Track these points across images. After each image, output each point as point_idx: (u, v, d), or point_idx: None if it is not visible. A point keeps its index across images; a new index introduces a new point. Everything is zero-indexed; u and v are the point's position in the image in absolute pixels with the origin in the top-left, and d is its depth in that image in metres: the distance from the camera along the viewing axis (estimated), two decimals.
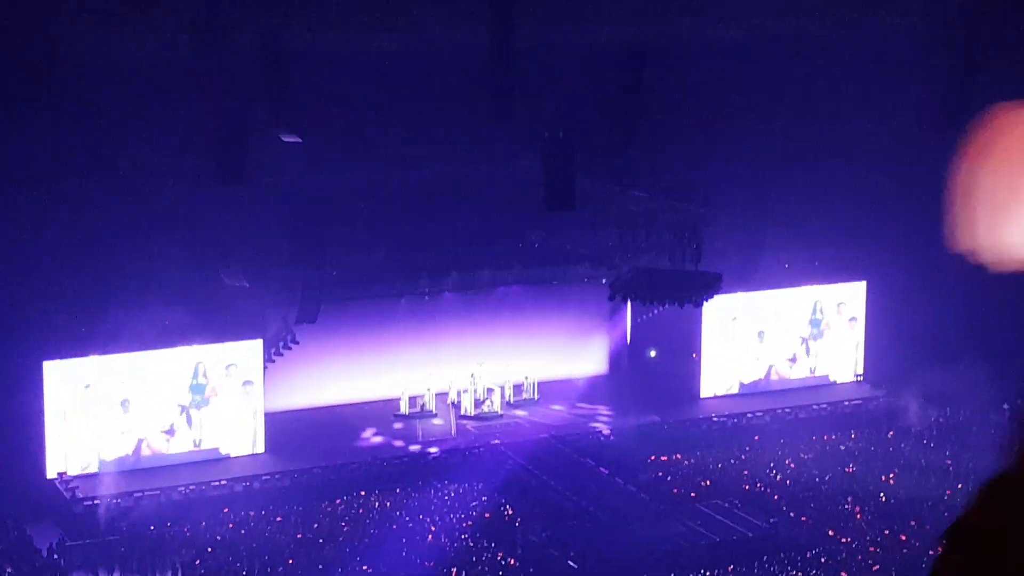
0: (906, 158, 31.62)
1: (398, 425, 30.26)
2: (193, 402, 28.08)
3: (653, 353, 31.65)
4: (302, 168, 28.78)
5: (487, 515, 26.10)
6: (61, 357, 27.00)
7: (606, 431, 30.24)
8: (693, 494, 27.47)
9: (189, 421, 28.05)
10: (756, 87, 29.75)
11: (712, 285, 28.16)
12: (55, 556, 24.41)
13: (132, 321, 26.96)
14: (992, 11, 28.84)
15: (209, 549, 24.59)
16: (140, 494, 26.31)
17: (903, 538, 25.41)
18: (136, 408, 27.57)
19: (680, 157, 30.11)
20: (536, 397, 31.56)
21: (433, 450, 28.94)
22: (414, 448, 29.26)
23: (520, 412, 31.19)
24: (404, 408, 30.59)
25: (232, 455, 28.21)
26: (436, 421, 30.27)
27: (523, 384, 31.56)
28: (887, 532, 25.64)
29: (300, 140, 27.80)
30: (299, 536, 25.26)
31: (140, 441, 27.65)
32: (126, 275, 27.16)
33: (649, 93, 27.84)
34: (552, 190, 27.90)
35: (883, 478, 28.04)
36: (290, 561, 24.10)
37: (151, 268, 27.16)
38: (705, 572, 24.21)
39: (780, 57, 30.05)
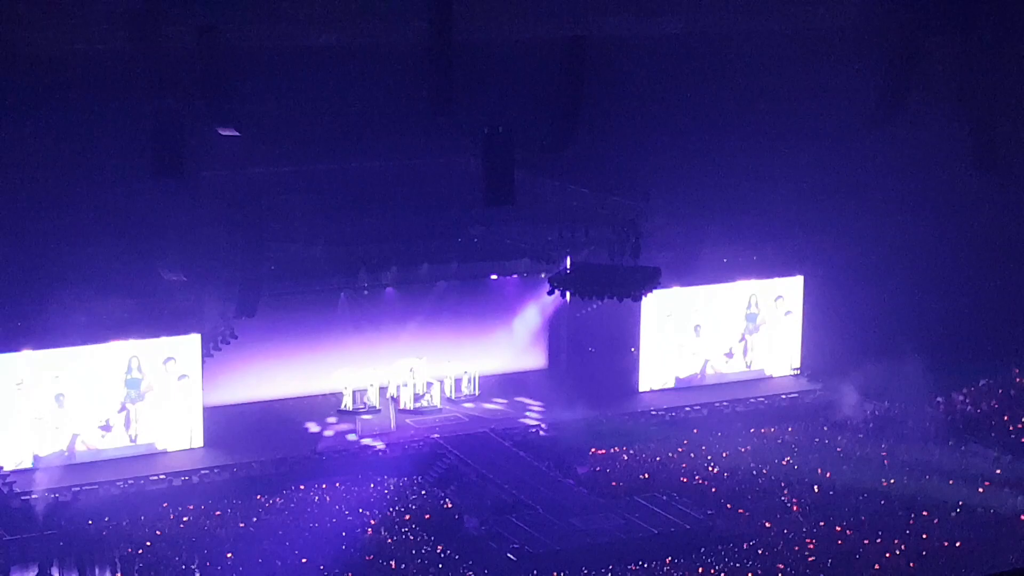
0: (844, 153, 32.20)
1: (331, 419, 30.51)
2: (128, 397, 28.20)
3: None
4: (240, 162, 28.98)
5: (427, 512, 26.39)
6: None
7: (544, 425, 30.58)
8: (631, 487, 27.86)
9: (126, 417, 28.17)
10: (695, 82, 30.19)
11: (651, 279, 28.53)
12: None
13: (67, 315, 27.06)
14: (930, 6, 29.38)
15: (148, 543, 24.72)
16: (78, 489, 26.44)
17: (839, 529, 25.88)
18: (71, 403, 27.68)
19: (619, 152, 30.53)
20: (477, 392, 31.91)
21: (380, 445, 29.19)
22: (352, 440, 29.53)
23: (460, 407, 31.52)
24: (347, 403, 30.83)
25: (169, 450, 28.35)
26: (375, 416, 30.49)
27: (462, 379, 31.89)
28: (823, 524, 26.11)
29: (238, 134, 27.98)
30: (241, 526, 25.44)
31: (75, 437, 27.77)
32: (61, 269, 27.25)
33: (588, 88, 28.18)
34: (492, 185, 28.15)
35: (819, 470, 28.49)
36: (229, 555, 24.29)
37: (87, 262, 27.26)
38: (643, 564, 24.54)
39: (719, 51, 30.54)
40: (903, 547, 25.10)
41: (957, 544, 25.29)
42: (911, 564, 24.52)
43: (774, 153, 31.44)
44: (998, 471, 28.50)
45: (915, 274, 33.14)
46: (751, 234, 32.53)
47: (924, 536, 25.53)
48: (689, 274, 32.00)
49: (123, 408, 28.20)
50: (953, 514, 26.57)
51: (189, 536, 25.08)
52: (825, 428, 31.01)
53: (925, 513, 26.52)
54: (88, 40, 26.20)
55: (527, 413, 31.36)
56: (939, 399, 31.93)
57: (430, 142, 29.51)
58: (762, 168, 31.45)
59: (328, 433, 30.06)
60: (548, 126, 29.03)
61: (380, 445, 29.30)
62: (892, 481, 27.95)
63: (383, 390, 30.99)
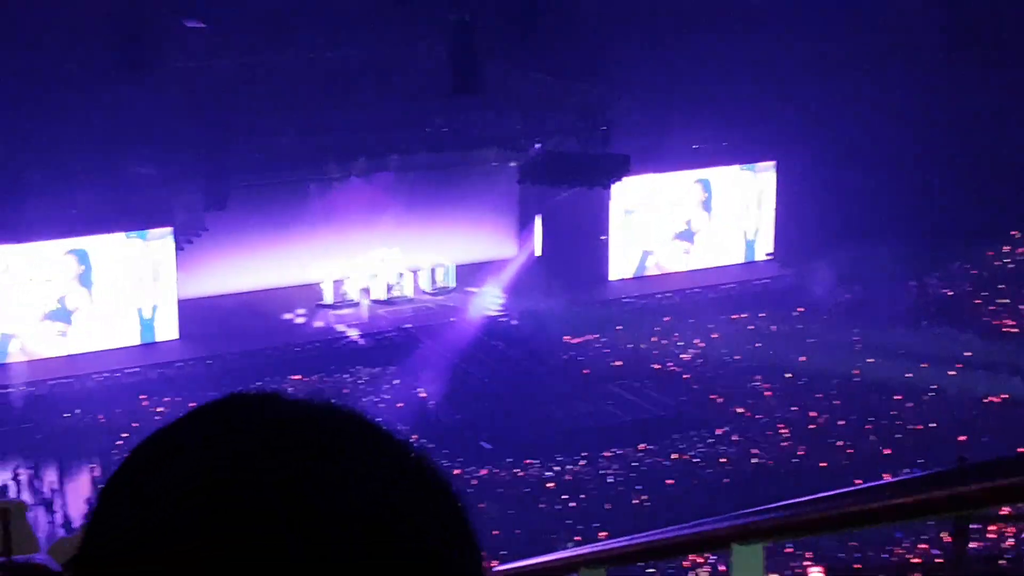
0: (814, 35, 32.27)
1: (302, 311, 30.71)
2: (92, 293, 28.38)
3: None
4: (206, 54, 28.98)
5: (400, 400, 26.80)
6: None
7: (516, 314, 30.97)
8: (603, 375, 28.30)
9: (81, 313, 28.31)
10: None
11: (620, 167, 28.75)
12: None
13: (35, 210, 27.16)
14: None
15: (125, 435, 25.13)
16: (53, 382, 26.81)
17: (812, 415, 26.40)
18: (28, 299, 27.87)
19: (587, 39, 30.54)
20: (453, 284, 32.02)
21: (353, 334, 29.52)
22: (326, 331, 29.87)
23: (432, 297, 31.79)
24: (328, 298, 31.00)
25: (141, 343, 28.64)
26: (351, 309, 30.77)
27: (436, 270, 32.07)
28: (795, 408, 26.62)
29: (203, 25, 28.00)
30: None
31: (63, 334, 28.06)
32: (28, 166, 27.30)
33: None
34: (458, 74, 28.33)
35: (792, 356, 28.96)
36: None
37: (54, 158, 27.32)
38: (616, 451, 25.06)
39: None
40: (876, 430, 25.63)
41: (930, 426, 25.81)
42: (883, 448, 25.04)
43: (744, 38, 31.48)
44: (969, 353, 28.98)
45: (888, 158, 33.34)
46: (721, 120, 32.57)
47: (897, 419, 26.06)
48: (658, 160, 32.06)
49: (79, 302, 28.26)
50: (926, 397, 27.09)
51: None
52: (797, 313, 31.44)
53: (898, 397, 27.03)
54: None
55: (499, 302, 31.58)
56: (912, 282, 32.29)
57: (394, 30, 29.47)
58: (732, 54, 31.49)
59: (300, 323, 30.36)
60: (514, 13, 29.10)
61: (354, 334, 29.64)
62: (865, 363, 28.50)
63: (358, 283, 31.17)
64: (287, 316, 30.60)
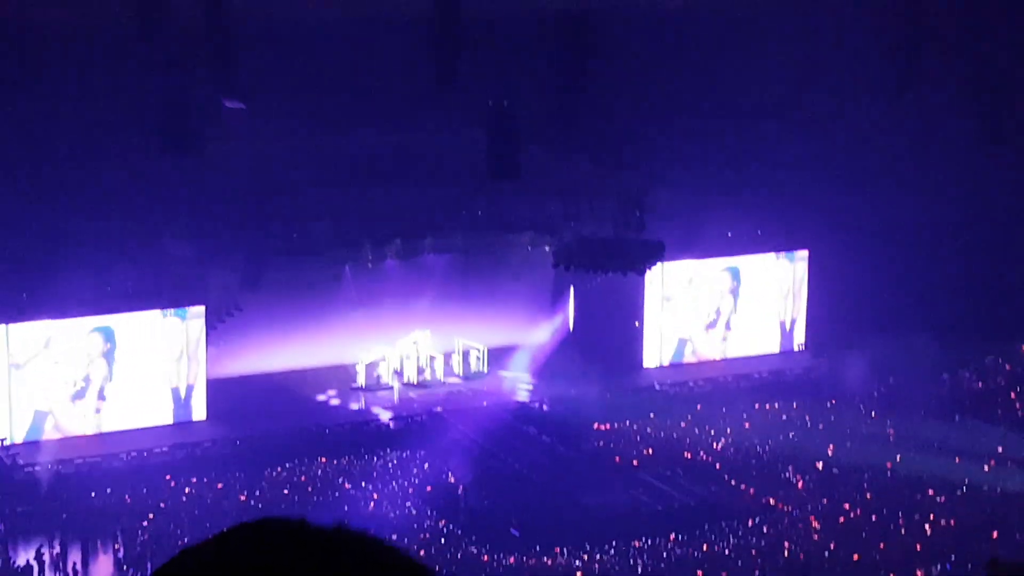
0: (851, 127, 32.48)
1: (333, 392, 30.85)
2: (123, 370, 28.50)
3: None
4: (247, 136, 29.34)
5: (429, 484, 26.88)
6: (10, 321, 27.45)
7: (548, 399, 31.07)
8: (635, 462, 28.37)
9: (112, 391, 28.51)
10: (700, 56, 30.40)
11: (655, 253, 28.93)
12: None
13: (75, 287, 27.42)
14: None
15: (151, 516, 25.23)
16: (81, 461, 26.94)
17: (844, 507, 26.38)
18: (62, 377, 28.02)
19: (624, 126, 30.80)
20: (485, 369, 32.13)
21: (384, 417, 29.66)
22: (357, 412, 30.01)
23: (463, 380, 31.92)
24: (360, 379, 31.15)
25: (170, 423, 28.74)
26: (384, 391, 30.90)
27: (468, 352, 32.20)
28: (827, 501, 26.59)
29: (244, 107, 28.38)
30: (242, 499, 25.92)
31: (96, 411, 28.24)
32: (70, 244, 27.62)
33: (593, 62, 28.51)
34: (496, 159, 28.60)
35: (824, 447, 28.99)
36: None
37: (95, 237, 27.67)
38: (646, 540, 25.02)
39: (724, 26, 30.73)
40: (908, 525, 25.58)
41: (963, 522, 25.72)
42: (916, 543, 24.96)
43: (780, 128, 31.73)
44: (1002, 449, 28.97)
45: (922, 250, 33.45)
46: (756, 209, 32.78)
47: (930, 514, 25.99)
48: (693, 248, 32.28)
49: (101, 381, 28.44)
50: (959, 492, 27.02)
51: (192, 509, 25.60)
52: (830, 404, 31.50)
53: (930, 491, 26.97)
54: (95, 15, 26.49)
55: (531, 387, 31.67)
56: (945, 375, 32.33)
57: (435, 116, 29.80)
58: (767, 144, 31.74)
59: (331, 404, 30.51)
60: (553, 100, 29.41)
61: (385, 417, 29.78)
62: (897, 458, 28.47)
63: (390, 366, 31.33)
64: (318, 397, 30.74)
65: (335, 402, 30.68)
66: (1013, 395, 32.04)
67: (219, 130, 27.86)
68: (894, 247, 33.35)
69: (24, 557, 24.41)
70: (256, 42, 26.72)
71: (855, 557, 24.13)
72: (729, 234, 33.20)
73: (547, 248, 31.42)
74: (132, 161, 27.47)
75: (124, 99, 26.55)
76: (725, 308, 33.58)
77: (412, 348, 31.68)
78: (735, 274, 33.61)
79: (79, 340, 27.97)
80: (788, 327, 34.14)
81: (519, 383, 31.75)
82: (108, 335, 28.29)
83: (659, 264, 30.57)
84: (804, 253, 34.12)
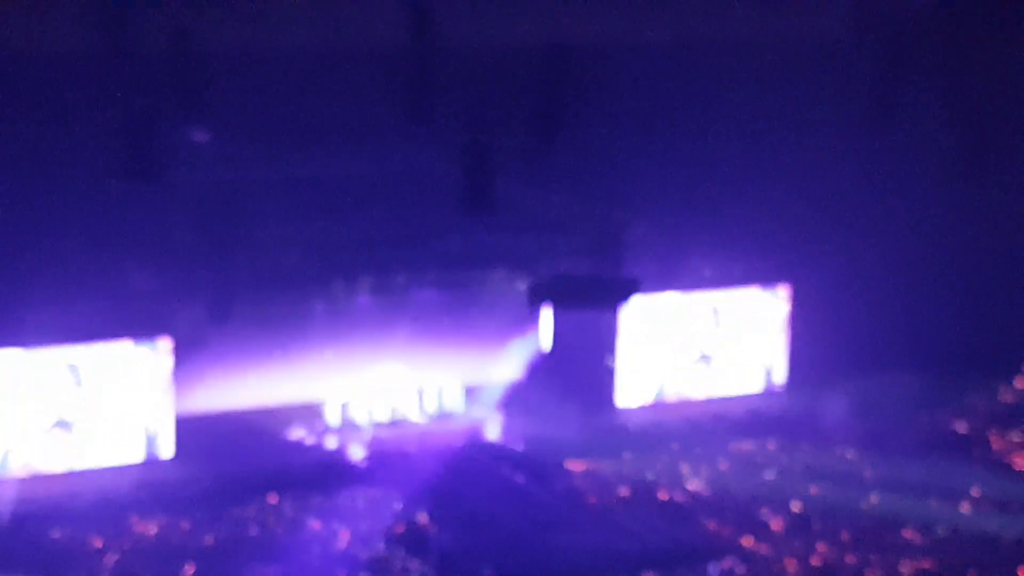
0: (833, 162, 32.44)
1: (302, 432, 30.60)
2: (86, 405, 28.10)
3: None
4: (213, 165, 29.17)
5: (399, 524, 26.64)
6: None
7: (522, 438, 30.81)
8: (609, 503, 28.15)
9: (76, 426, 28.13)
10: (680, 90, 30.34)
11: (630, 290, 28.75)
12: None
13: (33, 316, 27.22)
14: (917, 17, 29.68)
15: (114, 556, 24.97)
16: (45, 498, 26.57)
17: (819, 548, 26.19)
18: (24, 411, 27.65)
19: (602, 161, 30.73)
20: (458, 407, 31.99)
21: (355, 454, 29.49)
22: (326, 452, 29.75)
23: (436, 418, 31.71)
24: (330, 417, 30.86)
25: (134, 460, 28.36)
26: (354, 430, 30.76)
27: (441, 390, 32.08)
28: (801, 543, 26.39)
29: (208, 136, 28.17)
30: (208, 541, 25.68)
31: (28, 446, 27.78)
32: (27, 271, 27.37)
33: (571, 95, 28.44)
34: (471, 193, 28.42)
35: (800, 487, 28.83)
36: (190, 571, 24.52)
37: (54, 264, 27.41)
38: None
39: (704, 60, 30.71)
40: (884, 566, 25.44)
41: (940, 564, 25.61)
42: None
43: (760, 162, 31.68)
44: (979, 492, 28.77)
45: (902, 287, 33.42)
46: (736, 244, 32.71)
47: (906, 556, 25.87)
48: (670, 284, 32.18)
49: (76, 415, 28.09)
50: (937, 533, 26.90)
51: (157, 549, 25.33)
52: (807, 443, 31.29)
53: (907, 533, 26.85)
54: (59, 36, 26.37)
55: (505, 425, 31.57)
56: (924, 415, 32.25)
57: (407, 147, 29.68)
58: (748, 177, 31.67)
59: (301, 442, 30.18)
60: (529, 133, 29.29)
61: (356, 456, 29.56)
62: (874, 499, 28.33)
63: (361, 403, 31.20)
64: (288, 435, 30.43)
65: (305, 440, 30.36)
66: (991, 435, 31.92)
67: (184, 158, 27.66)
68: (874, 285, 33.33)
69: None
70: (224, 68, 26.57)
71: None
72: (708, 270, 33.13)
73: (521, 284, 31.22)
74: (93, 188, 27.21)
75: (87, 125, 26.33)
76: (704, 345, 33.40)
77: (384, 385, 31.48)
78: (714, 310, 33.41)
79: (44, 372, 27.60)
80: (768, 364, 33.95)
81: (492, 421, 31.59)
82: (74, 368, 27.93)
83: (636, 299, 30.33)
84: (785, 288, 33.94)
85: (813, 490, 28.68)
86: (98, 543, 25.51)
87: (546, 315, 31.62)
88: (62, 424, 27.96)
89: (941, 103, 29.94)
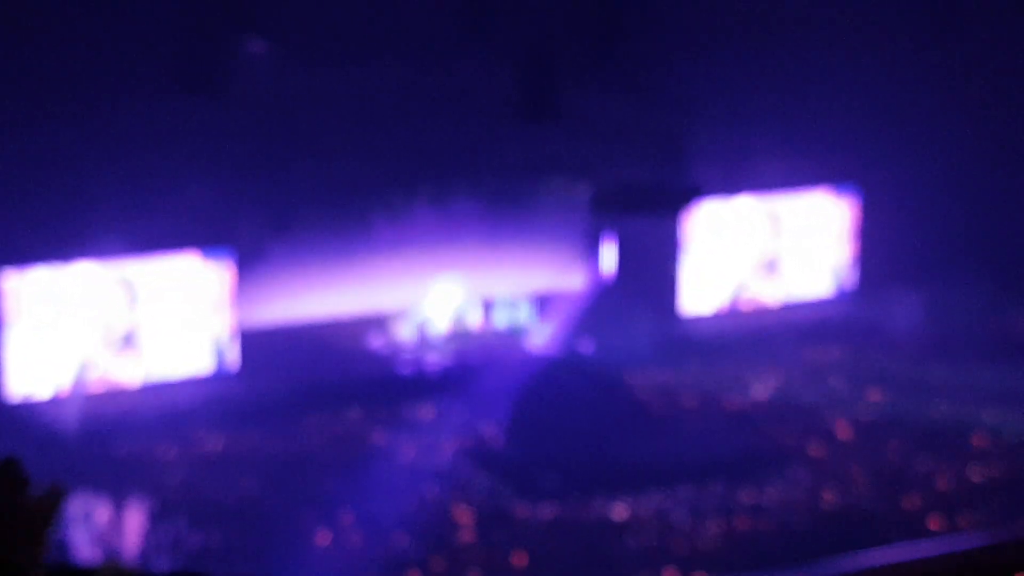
0: (902, 63, 32.64)
1: (373, 343, 31.25)
2: (149, 318, 28.76)
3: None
4: (271, 76, 29.78)
5: (465, 436, 27.44)
6: (23, 264, 27.59)
7: (587, 349, 31.59)
8: (674, 412, 28.86)
9: (139, 340, 28.81)
10: None
11: (694, 196, 29.34)
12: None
13: (100, 230, 27.92)
14: None
15: (181, 468, 25.97)
16: (109, 413, 27.55)
17: (888, 456, 26.80)
18: (93, 324, 28.34)
19: (662, 64, 31.10)
20: (521, 319, 32.42)
21: (419, 365, 30.18)
22: (390, 364, 30.55)
23: (498, 330, 32.26)
24: (392, 328, 31.43)
25: (199, 374, 29.12)
26: (418, 340, 31.32)
27: (502, 301, 32.54)
28: (870, 450, 27.03)
29: (266, 44, 28.79)
30: (277, 451, 26.62)
31: (95, 362, 28.47)
32: (90, 185, 28.11)
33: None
34: (530, 100, 28.99)
35: (870, 395, 29.45)
36: (257, 485, 25.40)
37: (116, 179, 28.15)
38: (685, 490, 25.57)
39: None
40: (954, 473, 26.02)
41: (1011, 469, 26.13)
42: (960, 492, 25.40)
43: (827, 64, 31.88)
44: None
45: (974, 192, 33.60)
46: (803, 147, 32.94)
47: (975, 463, 26.40)
48: (735, 188, 32.52)
49: (137, 329, 28.76)
50: (1009, 439, 27.37)
51: (224, 463, 26.36)
52: (878, 349, 31.86)
53: (977, 440, 27.35)
54: None
55: (569, 336, 32.06)
56: (995, 321, 32.54)
57: (465, 56, 30.12)
58: (814, 79, 31.90)
59: (368, 356, 30.88)
60: (588, 38, 29.74)
61: (421, 369, 30.36)
62: (944, 405, 28.93)
63: (424, 315, 31.71)
64: (352, 348, 31.18)
65: (370, 353, 31.09)
66: None
67: (242, 69, 28.27)
68: (948, 185, 33.50)
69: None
70: None
71: (901, 508, 24.68)
72: (774, 174, 33.37)
73: (582, 192, 31.69)
74: (150, 102, 27.87)
75: (142, 37, 26.94)
76: (770, 250, 33.70)
77: (447, 296, 32.00)
78: (781, 214, 33.74)
79: (106, 286, 28.36)
80: (836, 269, 34.28)
81: (555, 332, 32.12)
82: (137, 281, 28.63)
83: (700, 206, 30.88)
84: (855, 191, 34.17)
85: (881, 397, 29.21)
86: (164, 457, 26.50)
87: (608, 223, 32.06)
88: (126, 338, 28.80)
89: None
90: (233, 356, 29.51)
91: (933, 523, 24.21)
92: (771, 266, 33.88)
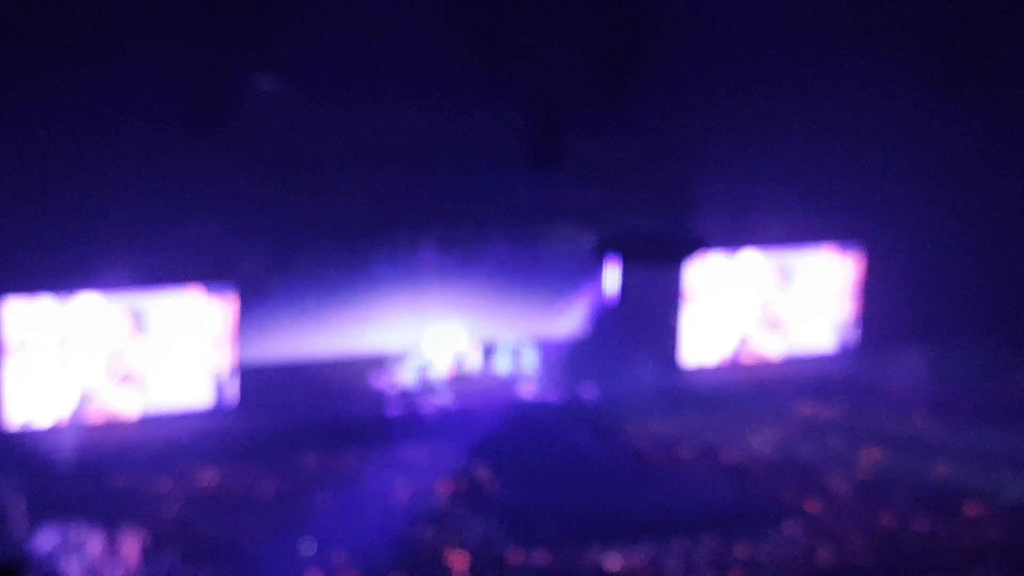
0: (910, 121, 32.73)
1: (371, 384, 31.26)
2: (151, 351, 28.92)
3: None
4: (278, 113, 29.89)
5: (460, 479, 27.49)
6: (26, 292, 27.73)
7: (585, 397, 31.68)
8: (671, 464, 28.89)
9: (140, 373, 28.96)
10: (753, 43, 30.80)
11: (698, 246, 29.42)
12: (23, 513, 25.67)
13: (102, 264, 28.06)
14: None
15: (177, 503, 26.07)
16: (105, 447, 27.63)
17: (884, 516, 26.81)
18: (92, 356, 28.47)
19: (671, 114, 31.17)
20: (521, 364, 32.46)
21: (415, 408, 30.20)
22: (388, 405, 30.59)
23: (497, 375, 32.31)
24: (391, 370, 31.47)
25: (198, 408, 29.24)
26: (418, 385, 31.35)
27: (503, 345, 32.60)
28: (867, 509, 27.06)
29: (274, 82, 28.92)
30: (273, 489, 26.74)
31: (95, 393, 28.61)
32: (95, 219, 28.23)
33: (640, 45, 28.90)
34: (537, 145, 29.10)
35: (867, 451, 29.53)
36: (251, 520, 25.44)
37: (120, 213, 28.28)
38: (680, 541, 25.56)
39: (781, 13, 31.08)
40: (949, 535, 26.07)
41: (1009, 533, 26.11)
42: (957, 553, 25.41)
43: (834, 120, 31.99)
44: None
45: (979, 252, 33.69)
46: (808, 202, 33.04)
47: (973, 525, 26.42)
48: (738, 242, 32.64)
49: (145, 360, 28.92)
50: (1008, 503, 27.34)
51: (219, 498, 26.50)
52: (877, 407, 31.91)
53: (974, 503, 27.39)
54: None
55: (568, 383, 32.11)
56: (997, 383, 32.55)
57: (474, 98, 30.19)
58: (821, 135, 32.00)
59: (367, 396, 30.92)
60: (597, 86, 29.83)
61: (417, 411, 30.44)
62: (943, 466, 28.94)
63: (424, 357, 31.76)
64: (350, 387, 31.18)
65: (368, 393, 31.11)
66: None
67: (249, 106, 28.37)
68: (952, 245, 33.54)
69: (50, 537, 24.80)
70: (290, 14, 27.27)
71: (894, 566, 24.70)
72: (778, 228, 33.45)
73: (587, 239, 31.75)
74: (158, 138, 27.99)
75: (149, 72, 27.05)
76: (772, 304, 33.83)
77: (447, 339, 32.07)
78: (784, 269, 33.92)
79: (108, 318, 28.48)
80: (838, 326, 34.39)
81: (555, 378, 32.18)
82: (139, 314, 28.77)
83: (704, 256, 30.98)
84: (858, 248, 34.32)
85: (880, 455, 29.27)
86: (160, 490, 26.58)
87: (612, 271, 32.16)
88: (125, 370, 28.91)
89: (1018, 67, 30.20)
90: (232, 391, 29.66)
91: None
92: (773, 320, 34.12)
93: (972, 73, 30.62)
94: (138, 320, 28.99)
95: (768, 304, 33.92)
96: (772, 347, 33.98)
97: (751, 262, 33.56)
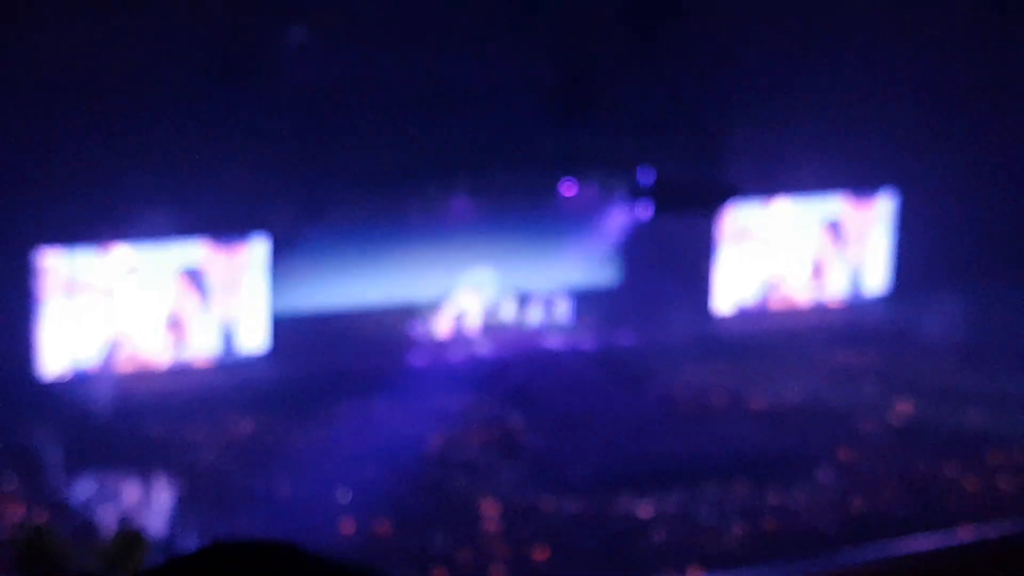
0: (941, 66, 32.73)
1: (403, 333, 31.50)
2: (186, 300, 29.23)
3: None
4: (309, 65, 30.09)
5: (492, 429, 27.78)
6: (59, 244, 28.09)
7: (616, 345, 31.93)
8: (704, 411, 29.13)
9: (173, 322, 29.29)
10: None
11: (730, 194, 29.55)
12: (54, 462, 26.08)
13: (135, 213, 28.33)
14: None
15: (209, 451, 26.37)
16: (139, 394, 27.99)
17: (917, 461, 27.02)
18: (129, 305, 28.85)
19: (703, 61, 31.27)
20: (552, 314, 32.70)
21: (449, 359, 30.47)
22: (419, 356, 30.88)
23: (528, 325, 32.58)
24: (424, 320, 31.78)
25: (233, 357, 29.57)
26: (446, 332, 31.60)
27: (534, 296, 32.83)
28: (900, 455, 27.27)
29: (306, 33, 29.12)
30: (302, 437, 27.05)
31: (132, 343, 29.04)
32: (128, 171, 28.52)
33: None
34: (570, 93, 29.23)
35: (901, 399, 29.66)
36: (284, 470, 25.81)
37: (153, 166, 28.56)
38: (711, 488, 25.84)
39: None
40: (982, 480, 26.22)
41: None
42: (989, 499, 25.61)
43: (868, 65, 32.01)
44: None
45: (1012, 196, 33.68)
46: (842, 148, 33.07)
47: (1005, 470, 26.60)
48: (771, 188, 32.71)
49: (179, 312, 29.25)
50: None
51: (252, 447, 26.74)
52: (911, 353, 32.05)
53: (1007, 448, 27.52)
54: None
55: (605, 331, 32.30)
56: None
57: (505, 48, 30.33)
58: (855, 80, 32.04)
59: (397, 346, 31.18)
60: (629, 32, 29.93)
61: (451, 361, 30.66)
62: (975, 411, 29.14)
63: (457, 307, 32.00)
64: (382, 336, 31.53)
65: (399, 342, 31.36)
66: None
67: (281, 58, 28.60)
68: (986, 190, 33.53)
69: (81, 487, 25.37)
70: None
71: (926, 512, 24.88)
72: (812, 174, 33.52)
73: (620, 187, 31.92)
74: (191, 90, 28.23)
75: (181, 24, 27.30)
76: (806, 251, 33.91)
77: (480, 289, 32.26)
78: (818, 215, 33.97)
79: (144, 268, 28.84)
80: (872, 272, 34.44)
81: (587, 326, 32.39)
82: (173, 264, 29.13)
83: (737, 204, 31.09)
84: (892, 193, 34.32)
85: (912, 402, 29.39)
86: (194, 439, 26.93)
87: (645, 219, 32.29)
88: (158, 320, 29.23)
89: None
90: (265, 341, 30.11)
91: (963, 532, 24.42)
92: (805, 268, 34.29)
93: (1010, 14, 30.57)
94: (172, 270, 29.23)
95: (802, 251, 34.12)
96: (805, 295, 34.13)
97: (785, 209, 33.75)
